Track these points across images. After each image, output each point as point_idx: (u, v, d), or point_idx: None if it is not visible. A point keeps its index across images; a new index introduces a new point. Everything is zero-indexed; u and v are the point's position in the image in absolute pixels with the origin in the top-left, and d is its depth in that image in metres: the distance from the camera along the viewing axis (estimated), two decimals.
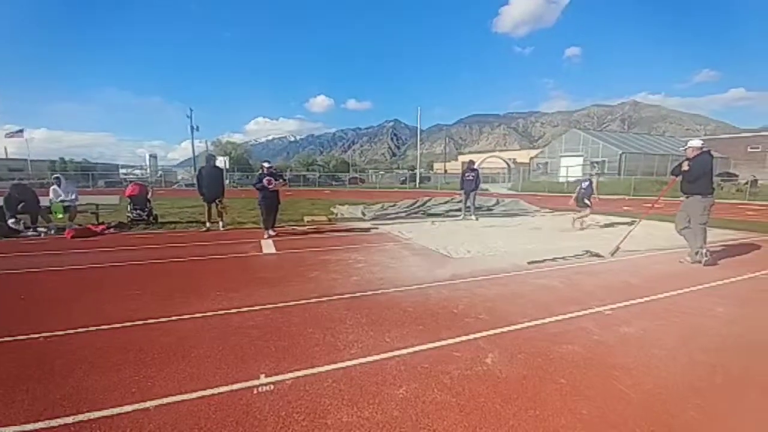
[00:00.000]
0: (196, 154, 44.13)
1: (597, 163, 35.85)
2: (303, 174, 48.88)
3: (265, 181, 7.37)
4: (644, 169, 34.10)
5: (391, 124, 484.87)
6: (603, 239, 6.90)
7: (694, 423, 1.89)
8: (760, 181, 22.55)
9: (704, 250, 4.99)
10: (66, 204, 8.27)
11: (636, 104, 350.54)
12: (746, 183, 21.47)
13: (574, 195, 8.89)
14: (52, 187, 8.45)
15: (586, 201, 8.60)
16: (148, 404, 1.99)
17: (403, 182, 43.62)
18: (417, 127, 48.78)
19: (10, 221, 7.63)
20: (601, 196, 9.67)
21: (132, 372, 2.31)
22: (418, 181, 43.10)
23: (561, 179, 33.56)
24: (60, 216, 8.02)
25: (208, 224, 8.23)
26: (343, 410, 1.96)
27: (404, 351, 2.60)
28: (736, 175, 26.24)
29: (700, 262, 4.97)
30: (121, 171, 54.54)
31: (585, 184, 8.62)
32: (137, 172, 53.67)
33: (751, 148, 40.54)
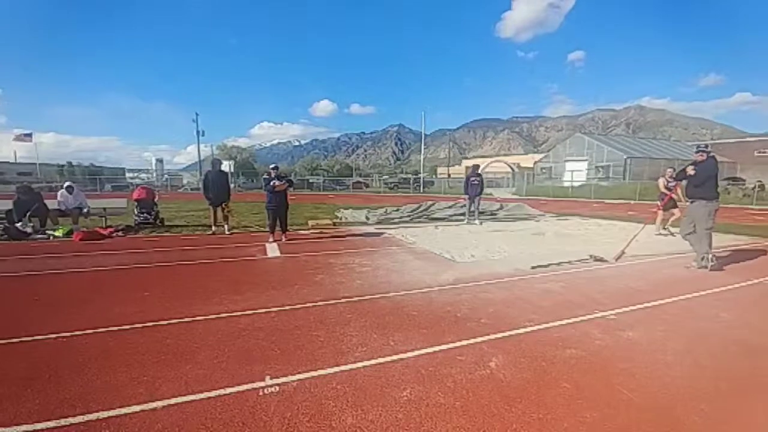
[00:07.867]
0: (201, 158, 44.47)
1: (602, 167, 35.69)
2: (307, 178, 49.04)
3: (272, 183, 7.42)
4: (650, 173, 33.85)
5: (395, 128, 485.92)
6: (608, 244, 6.87)
7: (699, 428, 1.88)
8: (767, 186, 22.34)
9: (710, 255, 4.96)
10: (78, 207, 8.41)
11: (641, 108, 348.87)
12: (753, 188, 21.29)
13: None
14: (60, 192, 8.52)
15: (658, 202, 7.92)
16: (155, 404, 2.03)
17: (407, 186, 43.65)
18: (421, 132, 48.96)
19: (19, 224, 7.75)
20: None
21: (140, 373, 2.35)
22: (422, 185, 43.13)
23: (566, 184, 33.43)
24: (59, 235, 7.74)
25: (213, 228, 8.32)
26: (348, 412, 1.98)
27: (408, 354, 2.61)
28: (743, 180, 26.01)
29: (705, 267, 4.94)
30: (128, 175, 55.03)
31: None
32: (143, 176, 54.14)
33: (758, 153, 40.21)
